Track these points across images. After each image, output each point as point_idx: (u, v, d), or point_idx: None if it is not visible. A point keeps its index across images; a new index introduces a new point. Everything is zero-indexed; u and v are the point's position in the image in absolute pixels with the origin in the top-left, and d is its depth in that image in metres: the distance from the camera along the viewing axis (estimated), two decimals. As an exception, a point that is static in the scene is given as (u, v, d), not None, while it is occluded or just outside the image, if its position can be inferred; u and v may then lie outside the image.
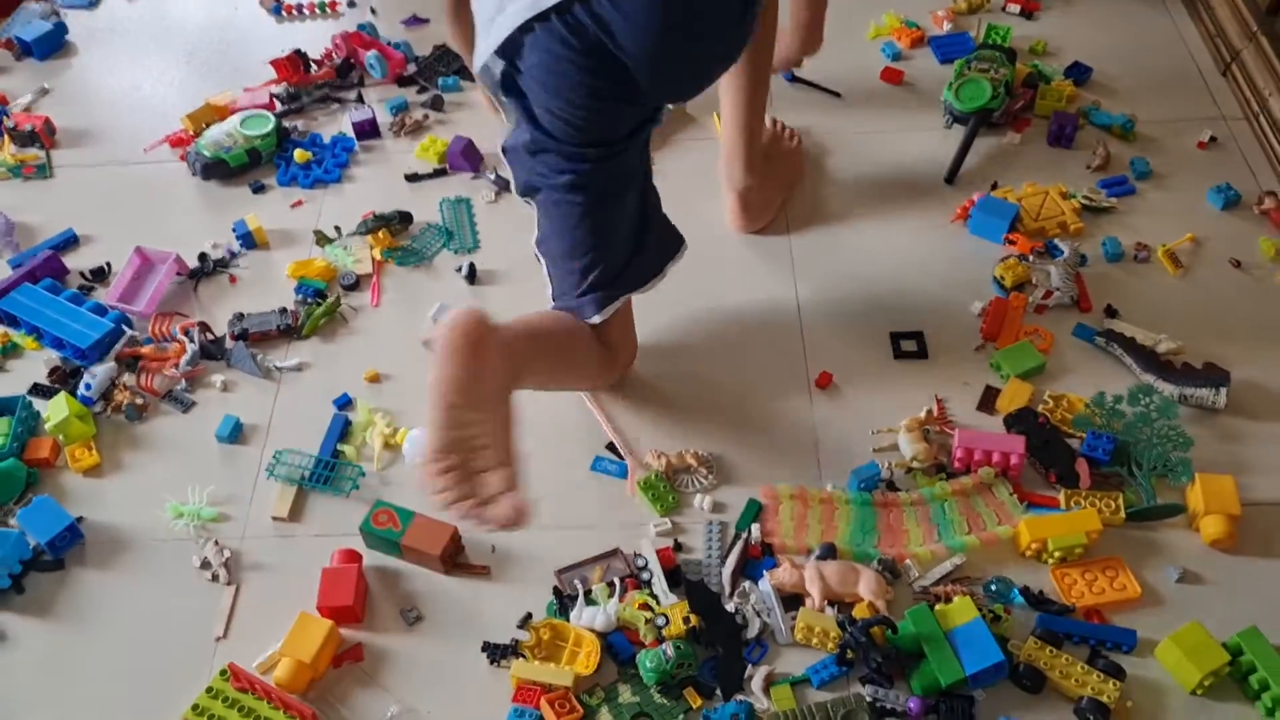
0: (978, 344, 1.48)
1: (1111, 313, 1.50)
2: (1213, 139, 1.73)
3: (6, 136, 1.81)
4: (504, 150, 1.27)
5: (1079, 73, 1.84)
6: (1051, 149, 1.74)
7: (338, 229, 1.66)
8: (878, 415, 1.40)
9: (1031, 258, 1.56)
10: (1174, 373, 1.40)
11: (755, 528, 1.29)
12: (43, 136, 1.81)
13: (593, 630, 1.20)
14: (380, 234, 1.63)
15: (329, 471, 1.37)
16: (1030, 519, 1.27)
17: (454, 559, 1.28)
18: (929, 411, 1.39)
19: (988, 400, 1.42)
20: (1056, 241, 1.57)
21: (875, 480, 1.33)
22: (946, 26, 1.95)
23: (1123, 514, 1.28)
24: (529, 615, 1.22)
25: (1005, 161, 1.72)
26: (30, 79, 1.96)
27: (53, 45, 2.01)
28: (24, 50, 2.00)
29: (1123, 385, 1.39)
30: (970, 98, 1.71)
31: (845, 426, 1.40)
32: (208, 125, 1.79)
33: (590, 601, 1.23)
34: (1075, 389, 1.41)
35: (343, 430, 1.41)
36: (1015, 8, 1.98)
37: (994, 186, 1.67)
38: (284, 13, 2.07)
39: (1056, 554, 1.25)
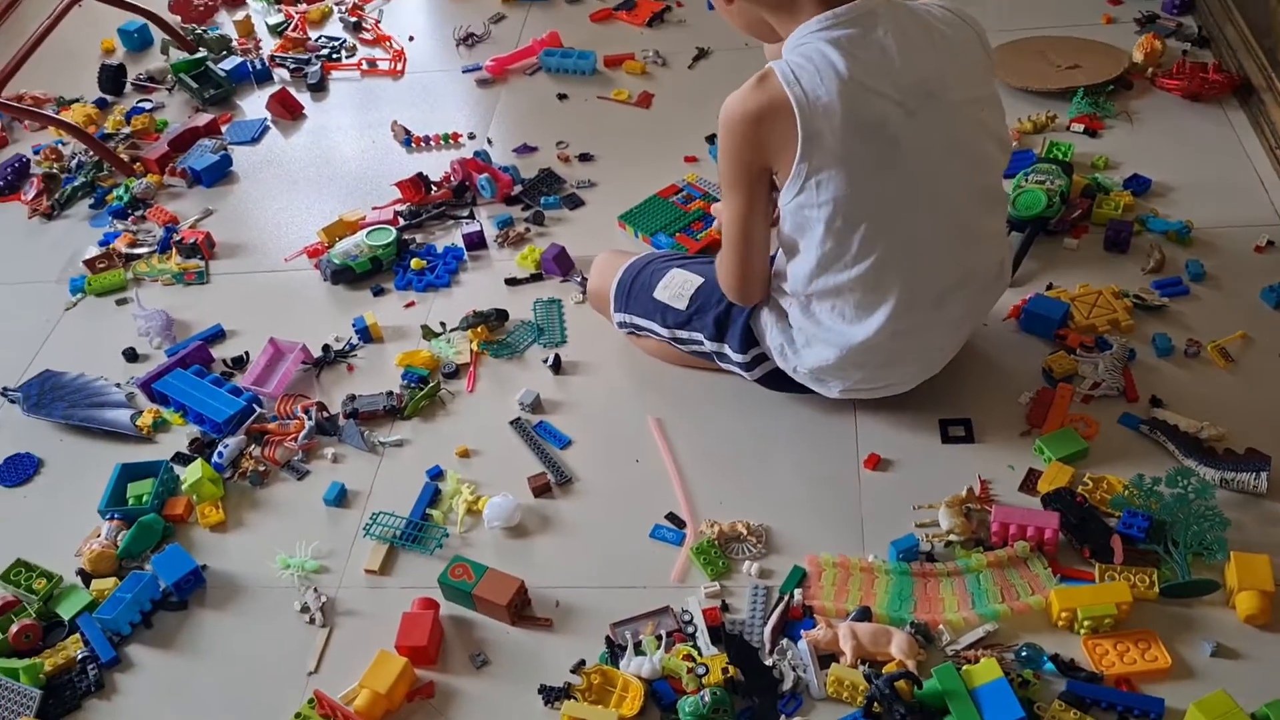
0: (1024, 430, 1.55)
1: (1157, 402, 1.56)
2: (1270, 243, 1.78)
3: (174, 249, 2.11)
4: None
5: (1138, 184, 1.92)
6: (1108, 254, 1.82)
7: (443, 325, 1.86)
8: (923, 494, 1.48)
9: (1080, 351, 1.63)
10: (1216, 458, 1.45)
11: (798, 592, 1.38)
12: (203, 249, 2.11)
13: (639, 677, 1.31)
14: (479, 329, 1.82)
15: (418, 532, 1.53)
16: (1061, 589, 1.32)
17: (520, 611, 1.41)
18: (970, 490, 1.47)
19: (1030, 482, 1.48)
20: (1106, 337, 1.64)
21: (914, 552, 1.41)
22: (1013, 144, 2.07)
23: (1157, 589, 1.32)
24: (582, 661, 1.34)
25: (1062, 265, 1.81)
26: (198, 202, 2.28)
27: (219, 174, 2.33)
28: (195, 178, 2.33)
29: (1164, 470, 1.43)
30: (1027, 206, 1.82)
31: (890, 503, 1.49)
32: (340, 238, 2.05)
33: (639, 651, 1.34)
34: (1117, 473, 1.47)
35: (432, 497, 1.58)
36: (1079, 126, 2.09)
37: (1049, 287, 1.76)
38: (413, 144, 2.35)
39: (1087, 624, 1.29)
